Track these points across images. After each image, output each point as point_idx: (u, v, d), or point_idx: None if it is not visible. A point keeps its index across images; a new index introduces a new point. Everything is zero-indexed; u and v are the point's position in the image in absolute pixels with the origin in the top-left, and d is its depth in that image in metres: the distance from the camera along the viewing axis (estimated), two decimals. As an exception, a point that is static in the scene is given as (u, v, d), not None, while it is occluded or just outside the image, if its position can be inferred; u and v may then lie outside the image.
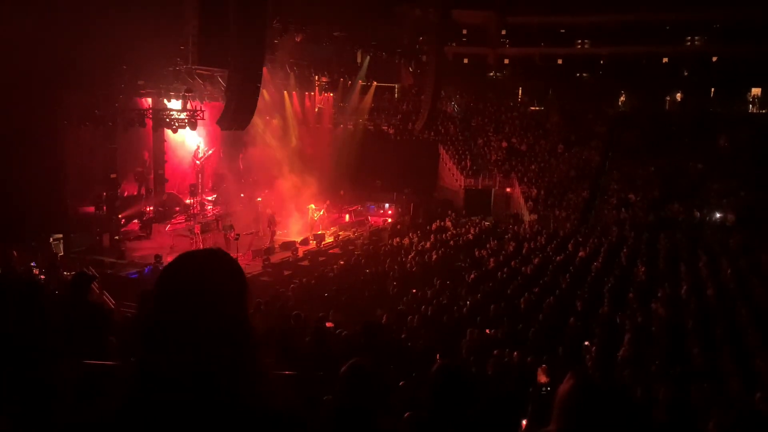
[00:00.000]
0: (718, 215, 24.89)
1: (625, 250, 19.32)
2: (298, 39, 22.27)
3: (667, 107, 35.54)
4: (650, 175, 28.37)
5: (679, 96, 35.50)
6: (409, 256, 19.17)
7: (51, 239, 17.62)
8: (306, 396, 5.29)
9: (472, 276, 16.47)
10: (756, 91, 33.99)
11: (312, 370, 6.36)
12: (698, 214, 24.98)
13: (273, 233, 22.14)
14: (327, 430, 3.31)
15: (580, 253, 19.02)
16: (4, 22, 14.30)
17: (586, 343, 9.58)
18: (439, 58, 29.10)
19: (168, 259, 16.94)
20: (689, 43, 34.99)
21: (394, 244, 21.66)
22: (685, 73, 35.31)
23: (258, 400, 1.30)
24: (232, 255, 1.41)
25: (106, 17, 15.61)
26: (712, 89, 34.27)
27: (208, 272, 1.34)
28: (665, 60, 36.01)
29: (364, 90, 31.04)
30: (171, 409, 1.22)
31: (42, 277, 13.88)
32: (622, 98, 36.38)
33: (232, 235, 19.67)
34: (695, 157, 28.75)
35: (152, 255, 17.71)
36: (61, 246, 17.90)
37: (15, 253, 15.12)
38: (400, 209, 28.69)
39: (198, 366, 1.24)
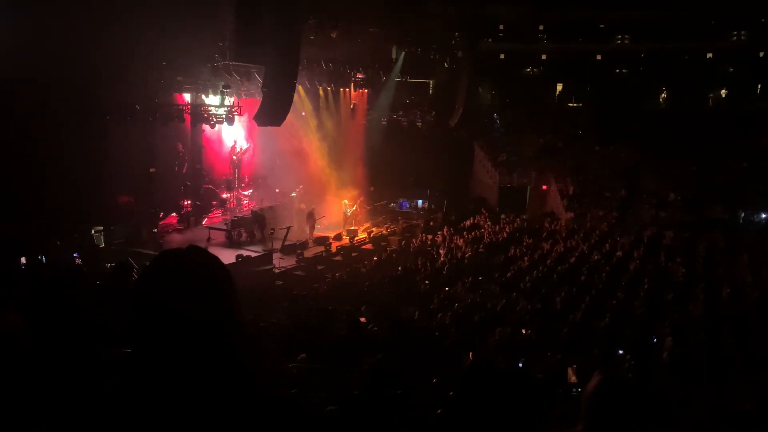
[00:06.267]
0: (763, 216, 24.11)
1: (663, 251, 18.92)
2: (333, 35, 22.32)
3: (710, 104, 34.52)
4: (691, 174, 27.65)
5: (723, 93, 34.45)
6: (442, 254, 19.12)
7: (93, 231, 18.13)
8: (339, 388, 5.35)
9: (507, 274, 16.34)
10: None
11: (346, 363, 6.42)
12: (742, 214, 24.25)
13: (313, 228, 22.31)
14: (351, 422, 3.35)
15: (618, 253, 18.70)
16: (51, 23, 14.76)
17: (620, 352, 9.42)
18: (474, 54, 28.86)
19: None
20: (734, 39, 33.83)
21: (427, 240, 21.62)
22: (730, 70, 34.21)
23: (245, 390, 1.32)
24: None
25: (146, 16, 15.96)
26: (759, 86, 33.16)
27: (187, 269, 1.35)
28: (709, 56, 34.94)
29: (399, 86, 30.96)
30: (160, 396, 1.24)
31: (84, 269, 14.30)
32: (663, 95, 35.47)
33: (268, 229, 19.95)
34: (738, 155, 27.91)
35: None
36: (102, 238, 18.40)
37: (58, 242, 15.66)
38: (433, 206, 28.58)
39: (184, 358, 1.25)
